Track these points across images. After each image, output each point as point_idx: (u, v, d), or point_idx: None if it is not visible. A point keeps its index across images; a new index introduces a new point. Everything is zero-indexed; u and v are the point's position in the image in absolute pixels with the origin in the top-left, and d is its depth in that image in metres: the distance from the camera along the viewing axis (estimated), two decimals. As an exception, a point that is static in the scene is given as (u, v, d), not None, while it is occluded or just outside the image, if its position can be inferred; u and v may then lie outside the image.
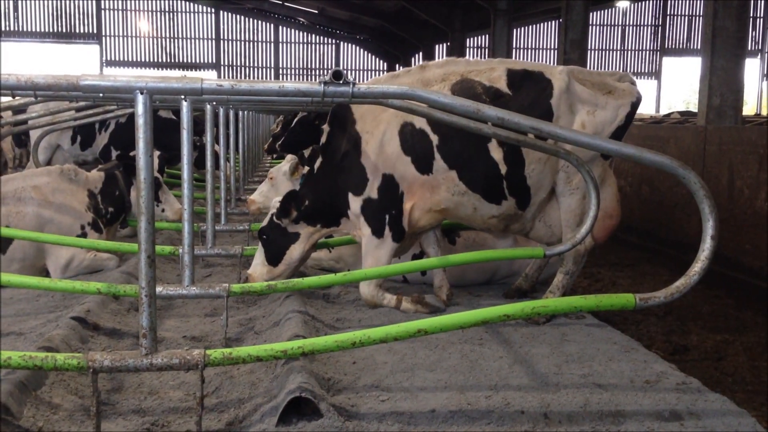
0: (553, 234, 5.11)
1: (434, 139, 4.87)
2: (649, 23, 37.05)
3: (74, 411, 3.46)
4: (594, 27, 35.44)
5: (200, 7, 36.01)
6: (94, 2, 34.97)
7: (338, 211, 5.17)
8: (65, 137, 10.66)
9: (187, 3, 35.87)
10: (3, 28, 33.97)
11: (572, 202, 4.92)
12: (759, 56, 33.56)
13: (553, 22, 34.59)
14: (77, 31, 35.09)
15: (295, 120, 13.45)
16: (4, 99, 6.71)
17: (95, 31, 35.23)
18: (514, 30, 30.02)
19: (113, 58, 35.55)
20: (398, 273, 4.96)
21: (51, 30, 34.78)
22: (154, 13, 35.83)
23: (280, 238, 5.21)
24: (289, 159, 8.07)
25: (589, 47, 15.69)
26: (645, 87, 37.31)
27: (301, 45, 37.24)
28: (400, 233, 4.99)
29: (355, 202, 5.02)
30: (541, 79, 4.89)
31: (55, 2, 34.56)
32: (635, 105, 5.02)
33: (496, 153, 4.83)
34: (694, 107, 29.72)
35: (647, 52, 37.16)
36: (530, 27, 35.94)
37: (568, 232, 4.95)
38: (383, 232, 4.97)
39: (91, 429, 3.07)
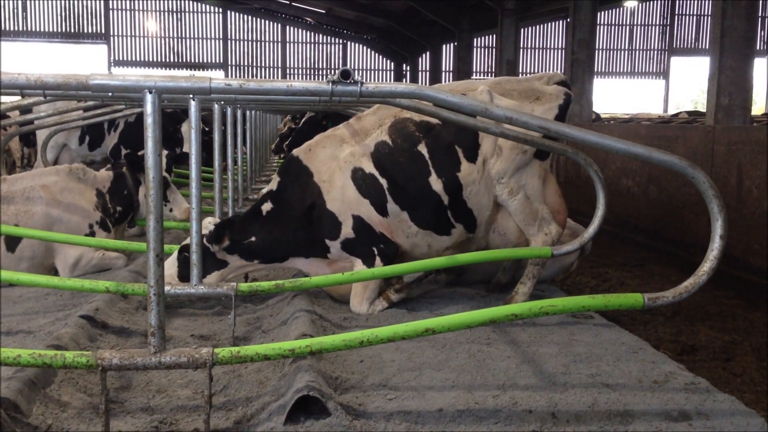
0: (508, 241, 5.32)
1: (383, 182, 5.05)
2: (658, 23, 36.96)
3: (83, 409, 3.47)
4: (602, 26, 35.37)
5: (208, 7, 36.10)
6: (101, 2, 35.11)
7: (289, 252, 5.20)
8: (73, 137, 10.71)
9: (195, 3, 35.97)
10: (11, 28, 34.13)
11: (518, 205, 5.12)
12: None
13: (561, 21, 34.54)
14: (85, 31, 35.23)
15: (303, 120, 13.49)
16: (12, 98, 6.74)
17: (103, 31, 35.37)
18: (522, 30, 29.97)
19: (121, 58, 35.69)
20: (404, 272, 4.95)
21: (59, 30, 34.93)
22: (162, 13, 35.95)
23: (205, 261, 4.99)
24: None
25: (597, 47, 15.64)
26: (653, 87, 37.26)
27: (308, 45, 37.30)
28: (390, 262, 5.09)
29: (334, 246, 5.12)
30: None
31: (63, 2, 34.71)
32: (563, 106, 5.19)
33: (436, 185, 5.04)
34: (702, 107, 29.61)
35: (655, 51, 37.07)
36: (538, 27, 35.89)
37: (529, 228, 5.17)
38: (374, 262, 5.08)
39: (100, 427, 3.08)
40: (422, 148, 5.06)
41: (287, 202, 5.16)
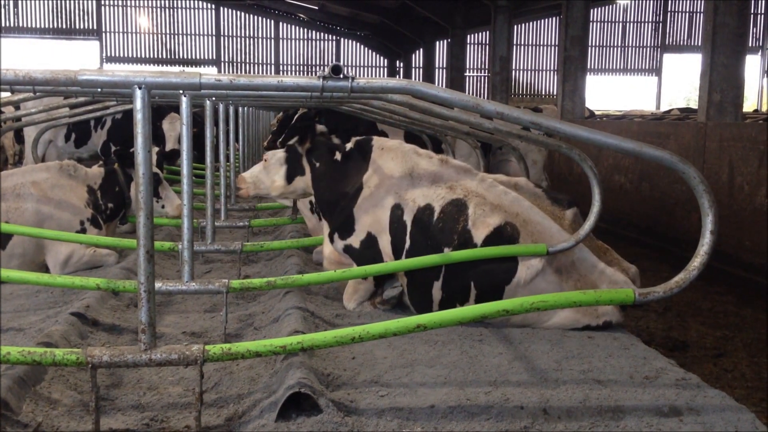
0: None
1: (408, 242, 4.84)
2: (650, 20, 36.99)
3: (73, 406, 3.46)
4: (594, 23, 35.40)
5: (200, 3, 35.95)
6: (94, -2, 34.94)
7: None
8: (59, 134, 10.67)
9: (187, -1, 35.82)
10: (3, 24, 33.93)
11: None
12: (759, 53, 33.49)
13: (554, 18, 34.55)
14: (77, 27, 35.03)
15: (296, 116, 13.46)
16: (2, 94, 6.70)
17: (95, 27, 35.17)
18: (515, 26, 29.95)
19: (113, 55, 35.51)
20: (400, 270, 4.94)
21: (51, 26, 34.72)
22: (154, 9, 35.77)
23: (295, 163, 5.42)
24: None
25: (589, 44, 15.65)
26: (646, 84, 37.34)
27: (301, 41, 37.19)
28: (382, 282, 5.07)
29: (337, 242, 5.09)
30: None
31: (55, -2, 34.54)
32: None
33: (436, 291, 4.77)
34: (694, 104, 29.68)
35: (648, 48, 37.10)
36: (531, 23, 35.89)
37: None
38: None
39: (90, 424, 3.07)
40: (447, 251, 4.71)
41: (341, 171, 5.16)
